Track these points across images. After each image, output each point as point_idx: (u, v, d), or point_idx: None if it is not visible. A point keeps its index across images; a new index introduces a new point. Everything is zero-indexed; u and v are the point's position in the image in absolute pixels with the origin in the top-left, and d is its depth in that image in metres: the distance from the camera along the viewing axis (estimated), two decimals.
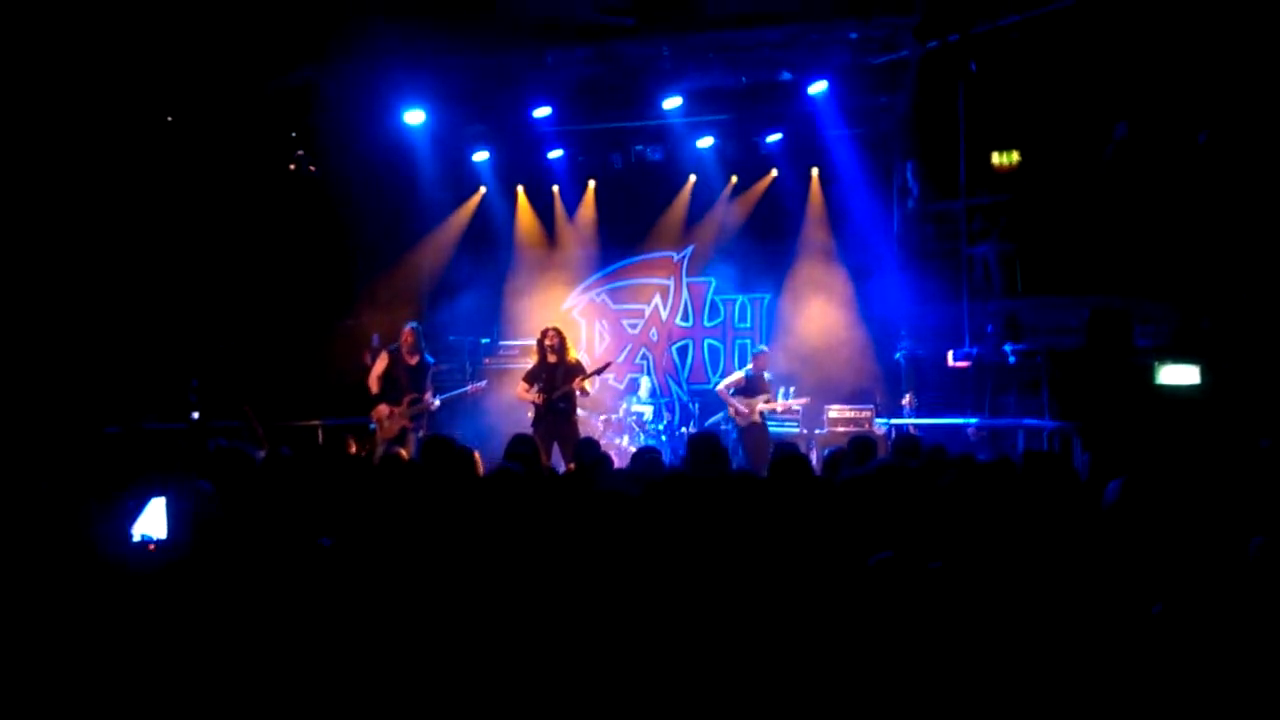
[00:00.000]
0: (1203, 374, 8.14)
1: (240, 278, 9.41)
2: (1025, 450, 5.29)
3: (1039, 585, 2.94)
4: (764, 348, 9.75)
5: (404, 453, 5.18)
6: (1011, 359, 9.09)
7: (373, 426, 8.15)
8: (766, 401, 9.44)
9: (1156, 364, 8.30)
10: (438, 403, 8.30)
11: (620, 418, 10.39)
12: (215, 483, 3.64)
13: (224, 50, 8.22)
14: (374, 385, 8.11)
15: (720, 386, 9.77)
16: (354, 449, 6.68)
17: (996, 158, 9.46)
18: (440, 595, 2.95)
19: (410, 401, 8.04)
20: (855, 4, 7.73)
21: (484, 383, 8.73)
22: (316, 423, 9.35)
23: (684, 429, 10.45)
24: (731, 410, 9.57)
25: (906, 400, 9.87)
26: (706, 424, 10.58)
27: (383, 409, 8.05)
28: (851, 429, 9.35)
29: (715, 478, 4.20)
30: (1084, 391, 8.26)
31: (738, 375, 9.63)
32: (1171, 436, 7.21)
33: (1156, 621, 2.72)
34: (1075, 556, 3.16)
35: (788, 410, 9.69)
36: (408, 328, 8.25)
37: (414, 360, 8.12)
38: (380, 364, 8.14)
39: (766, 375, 9.55)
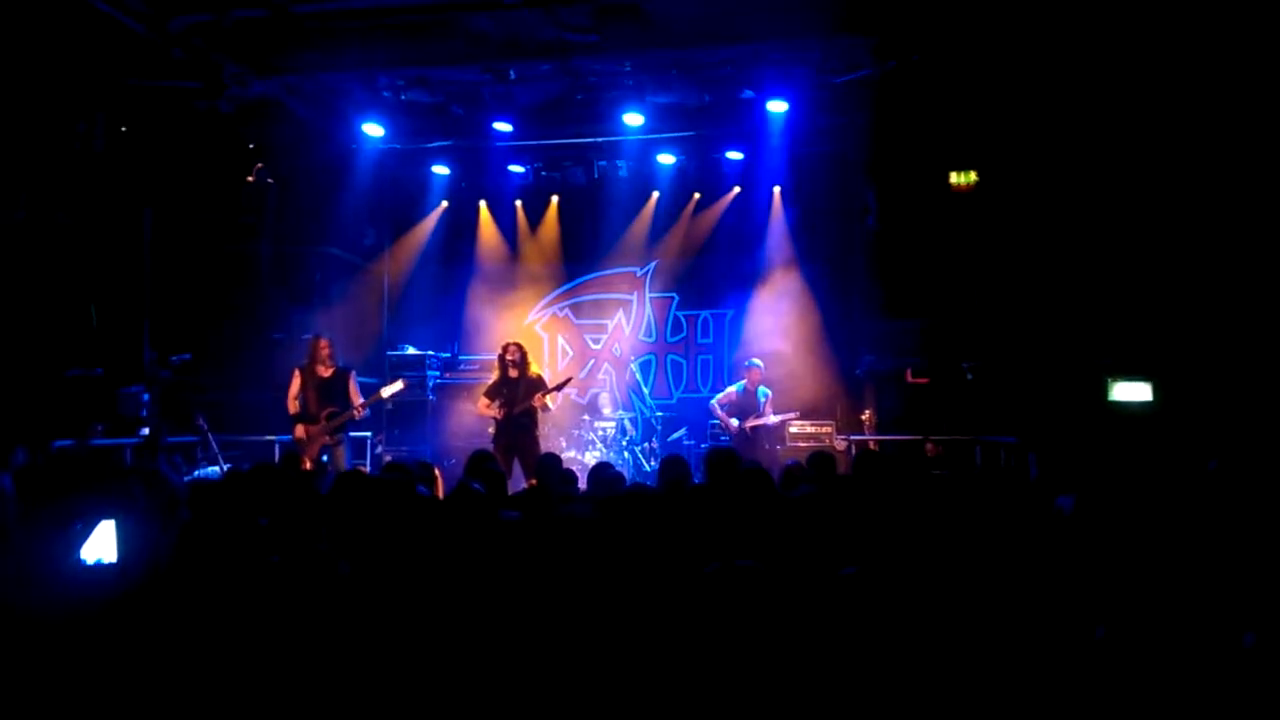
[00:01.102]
0: (1155, 391, 8.31)
1: (195, 288, 9.27)
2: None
3: (988, 595, 2.97)
4: (758, 363, 9.74)
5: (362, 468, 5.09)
6: (969, 375, 9.22)
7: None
8: (757, 417, 9.47)
9: (1109, 380, 8.46)
10: (363, 411, 8.03)
11: (582, 433, 10.36)
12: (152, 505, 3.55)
13: (182, 60, 8.12)
14: (291, 405, 7.96)
15: (713, 402, 9.81)
16: (308, 465, 6.59)
17: (955, 177, 9.60)
18: (401, 616, 2.90)
19: (328, 416, 7.85)
20: (816, 24, 7.80)
21: (399, 384, 8.46)
22: (271, 438, 9.20)
23: (646, 444, 10.44)
24: (723, 424, 9.60)
25: (866, 416, 9.96)
26: (669, 438, 10.58)
27: (299, 430, 7.88)
28: (812, 444, 9.40)
29: (670, 492, 4.20)
30: (1034, 407, 8.39)
31: (730, 391, 9.68)
32: (1123, 453, 7.34)
33: (1099, 642, 2.75)
34: (1025, 568, 3.20)
35: (782, 424, 9.67)
36: (318, 339, 8.05)
37: (328, 373, 7.94)
38: (294, 383, 7.98)
39: (761, 390, 9.57)
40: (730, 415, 9.56)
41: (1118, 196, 8.36)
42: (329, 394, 7.89)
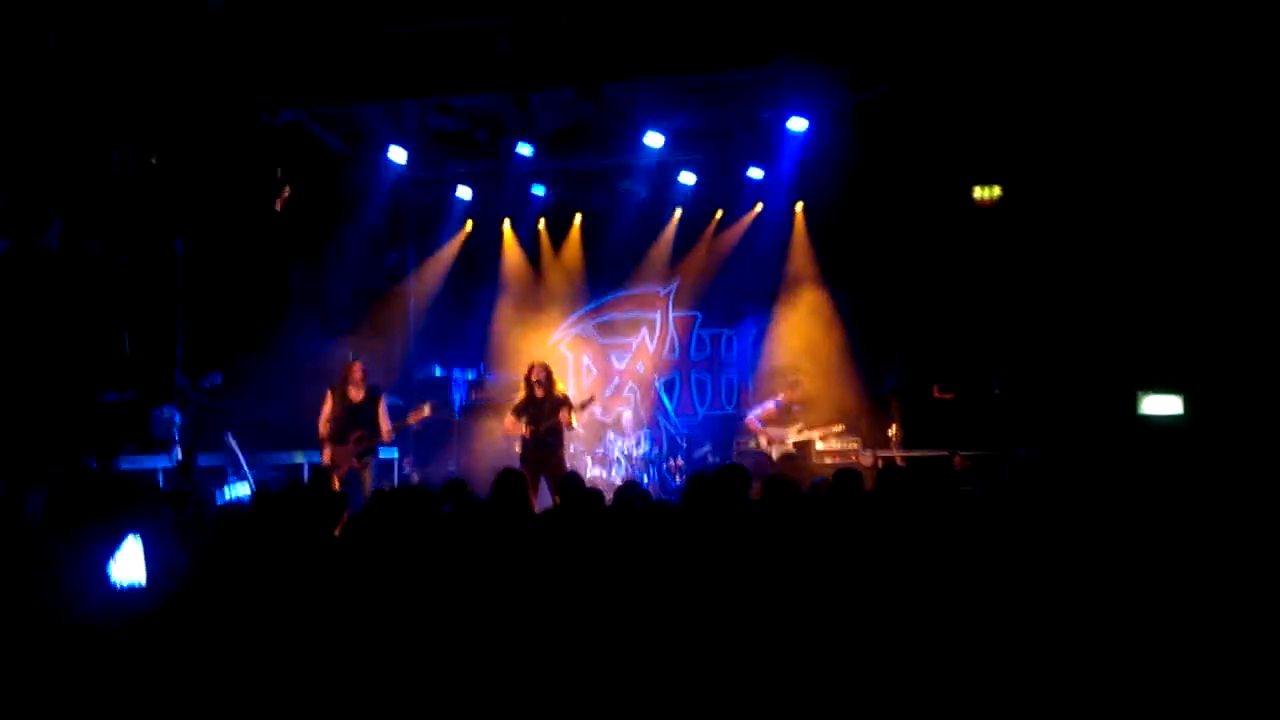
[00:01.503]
0: (1186, 404, 8.21)
1: (224, 312, 9.41)
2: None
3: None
4: (799, 377, 9.73)
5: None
6: (996, 390, 9.15)
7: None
8: (800, 431, 9.45)
9: (1139, 394, 8.37)
10: (390, 438, 8.12)
11: (607, 451, 10.37)
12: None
13: (211, 90, 8.29)
14: (322, 428, 7.99)
15: (750, 417, 9.81)
16: (337, 485, 6.64)
17: (978, 191, 9.57)
18: (425, 639, 2.93)
19: (356, 439, 7.91)
20: (830, 47, 7.84)
21: (426, 409, 8.53)
22: (300, 458, 9.29)
23: (671, 461, 10.43)
24: (764, 440, 9.58)
25: (892, 432, 9.90)
26: (694, 456, 10.57)
27: (327, 453, 7.93)
28: (838, 461, 9.36)
29: (699, 509, 4.20)
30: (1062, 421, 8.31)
31: (769, 406, 9.67)
32: (1153, 467, 7.25)
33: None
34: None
35: (827, 437, 9.63)
36: (352, 362, 8.10)
37: (359, 396, 7.98)
38: (326, 405, 8.02)
39: (794, 405, 9.54)
40: (767, 430, 9.54)
41: (1145, 206, 8.30)
42: (359, 417, 7.94)
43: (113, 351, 8.41)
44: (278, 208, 9.75)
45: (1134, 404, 8.23)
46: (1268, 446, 6.98)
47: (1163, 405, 8.25)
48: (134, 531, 3.22)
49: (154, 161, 8.63)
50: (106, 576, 3.15)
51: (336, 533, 4.05)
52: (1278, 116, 7.48)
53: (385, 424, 8.04)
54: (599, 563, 3.19)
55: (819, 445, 9.69)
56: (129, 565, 3.23)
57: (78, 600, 3.08)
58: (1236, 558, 3.38)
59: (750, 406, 10.39)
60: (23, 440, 7.42)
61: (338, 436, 7.90)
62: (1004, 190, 9.48)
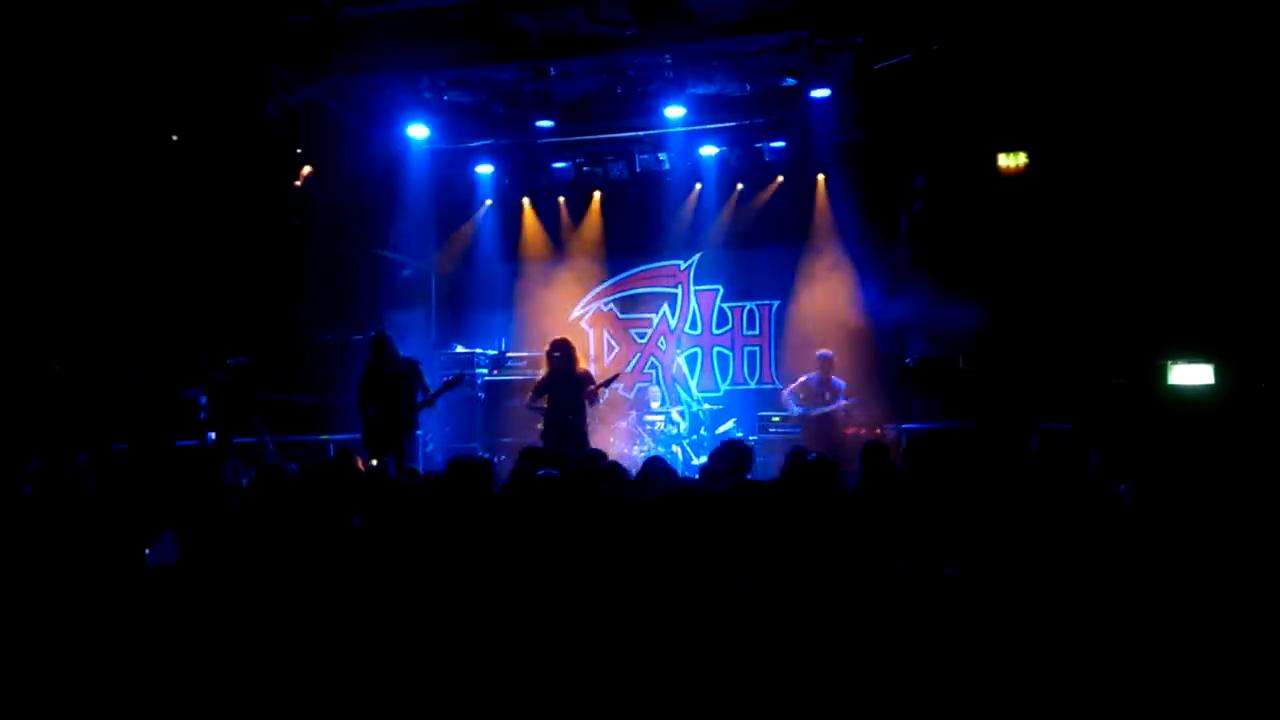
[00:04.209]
0: (1216, 374, 8.08)
1: (247, 293, 9.44)
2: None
3: (1053, 588, 2.91)
4: (829, 352, 9.66)
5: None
6: (1022, 362, 9.05)
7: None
8: (827, 403, 9.42)
9: (1168, 363, 8.25)
10: (430, 405, 7.94)
11: (630, 426, 10.37)
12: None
13: (230, 68, 8.27)
14: (362, 403, 7.84)
15: (785, 392, 9.78)
16: (361, 466, 6.65)
17: (1004, 159, 9.42)
18: (456, 608, 2.93)
19: (394, 414, 7.69)
20: (854, 13, 7.71)
21: (459, 376, 8.31)
22: (325, 438, 9.34)
23: (695, 436, 10.41)
24: (797, 417, 9.55)
25: (918, 406, 9.83)
26: (718, 431, 10.55)
27: (369, 428, 7.77)
28: (863, 434, 9.31)
29: (722, 490, 4.16)
30: (1090, 393, 8.21)
31: (803, 380, 9.61)
32: (1183, 438, 7.15)
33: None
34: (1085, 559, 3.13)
35: (851, 410, 9.58)
36: (379, 337, 7.93)
37: (393, 371, 7.79)
38: (362, 384, 7.86)
39: (833, 379, 9.51)
40: (802, 405, 9.49)
41: (1174, 171, 8.14)
42: (394, 391, 7.82)
43: (138, 334, 8.45)
44: (298, 185, 9.74)
45: (1164, 374, 8.11)
46: None
47: (1193, 375, 8.13)
48: (168, 511, 3.24)
49: (174, 139, 8.62)
50: (140, 557, 3.18)
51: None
52: None
53: (427, 392, 7.90)
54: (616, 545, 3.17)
55: (842, 418, 9.64)
56: (162, 546, 3.26)
57: (111, 580, 3.11)
58: (1266, 531, 3.32)
59: (786, 382, 10.33)
60: (51, 422, 7.49)
61: (379, 413, 7.82)
62: (1030, 158, 9.33)
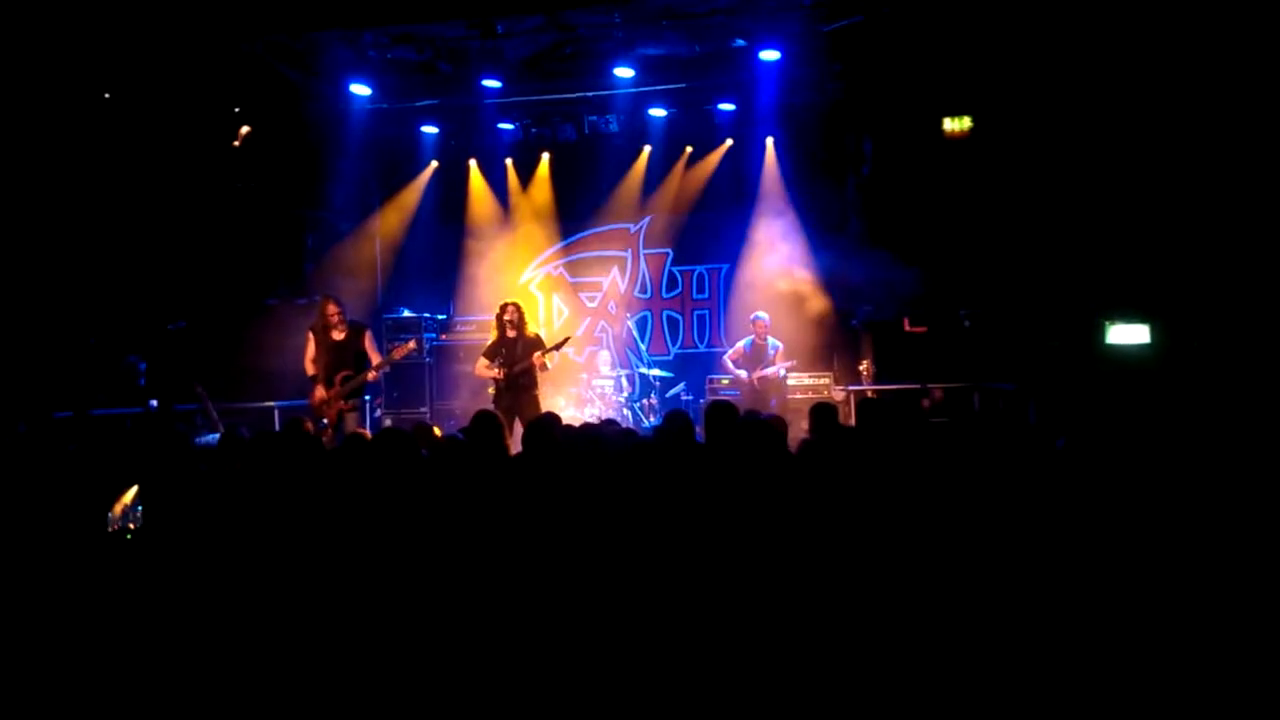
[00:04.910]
0: (1153, 334, 8.32)
1: (184, 256, 9.19)
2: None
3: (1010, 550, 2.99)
4: (764, 315, 9.70)
5: (364, 432, 5.06)
6: (966, 323, 9.23)
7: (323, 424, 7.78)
8: (763, 368, 9.49)
9: (1105, 323, 8.47)
10: (378, 370, 7.81)
11: (580, 391, 10.36)
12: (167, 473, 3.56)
13: (165, 23, 7.97)
14: (308, 368, 7.67)
15: (725, 358, 9.83)
16: (311, 429, 6.56)
17: (949, 123, 9.52)
18: (409, 579, 2.92)
19: (343, 379, 7.56)
20: None
21: (411, 344, 8.14)
22: (271, 404, 9.19)
23: (645, 401, 10.45)
24: (733, 379, 9.63)
25: (864, 367, 9.98)
26: (668, 395, 10.60)
27: (317, 392, 7.58)
28: (811, 396, 9.43)
29: (675, 446, 4.21)
30: (1031, 353, 8.40)
31: (739, 346, 9.67)
32: (1120, 397, 7.36)
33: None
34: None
35: (778, 374, 9.65)
36: (325, 300, 7.72)
37: (341, 335, 7.62)
38: (308, 346, 7.67)
39: (772, 342, 9.57)
40: (740, 369, 9.59)
41: (1114, 134, 8.30)
42: (343, 356, 7.60)
43: (76, 299, 8.20)
44: (236, 145, 9.47)
45: (1102, 334, 8.33)
46: (1233, 377, 7.11)
47: (1130, 334, 8.36)
48: (131, 475, 3.18)
49: (107, 96, 8.31)
50: (103, 520, 3.12)
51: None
52: (1248, 38, 7.45)
53: (375, 357, 7.75)
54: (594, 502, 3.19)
55: (790, 381, 9.74)
56: (126, 510, 3.19)
57: (75, 545, 3.06)
58: (1202, 490, 3.43)
59: (725, 346, 10.40)
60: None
61: (325, 379, 7.67)
62: (974, 122, 9.44)
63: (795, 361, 9.69)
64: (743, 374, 9.56)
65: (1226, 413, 5.69)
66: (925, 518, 3.20)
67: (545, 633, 2.66)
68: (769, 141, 10.95)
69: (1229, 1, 7.42)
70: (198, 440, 7.74)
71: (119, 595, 2.76)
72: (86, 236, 8.46)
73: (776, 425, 4.74)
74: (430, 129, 11.19)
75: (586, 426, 5.02)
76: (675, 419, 5.03)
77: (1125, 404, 7.34)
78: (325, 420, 7.47)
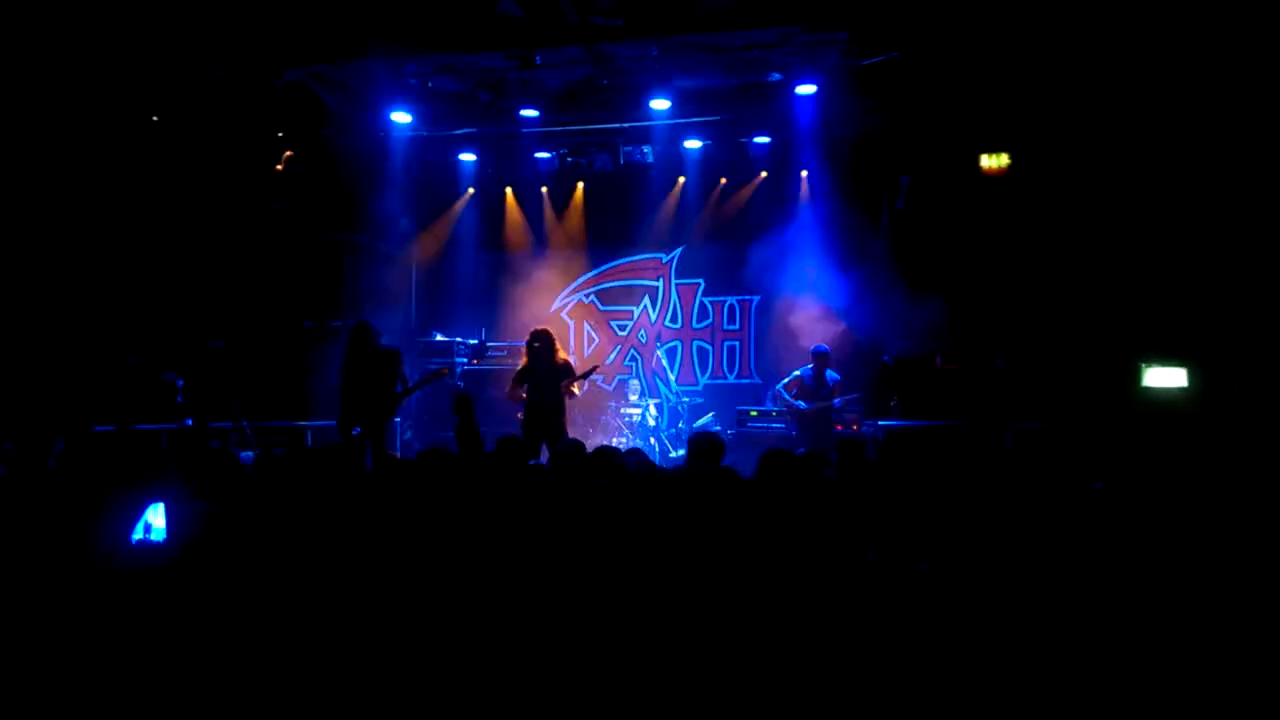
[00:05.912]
0: (1190, 377, 8.19)
1: (225, 277, 9.37)
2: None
3: (1029, 582, 2.94)
4: (825, 347, 9.59)
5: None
6: (999, 361, 9.13)
7: (356, 431, 7.85)
8: (822, 400, 9.34)
9: (1142, 366, 8.34)
10: (406, 398, 7.88)
11: (609, 419, 10.37)
12: (206, 485, 3.60)
13: (212, 51, 8.18)
14: (343, 390, 7.64)
15: (778, 388, 9.68)
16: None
17: (986, 160, 9.48)
18: (438, 592, 2.93)
19: (375, 402, 7.57)
20: (841, 10, 7.72)
21: (443, 371, 8.25)
22: (303, 424, 9.29)
23: (673, 430, 10.43)
24: (789, 410, 9.48)
25: (895, 403, 9.88)
26: (696, 425, 10.58)
27: (349, 415, 7.60)
28: (839, 430, 9.36)
29: (695, 474, 4.18)
30: (1065, 394, 8.28)
31: (796, 376, 9.51)
32: (1156, 441, 7.23)
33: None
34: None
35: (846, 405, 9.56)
36: (359, 325, 7.81)
37: (374, 358, 7.65)
38: (345, 370, 7.68)
39: (830, 374, 9.41)
40: (797, 400, 9.43)
41: (1153, 175, 8.23)
42: (375, 379, 7.68)
43: (116, 318, 8.37)
44: (278, 170, 9.66)
45: (1138, 376, 8.20)
46: (1274, 422, 6.97)
47: (1166, 378, 8.23)
48: (157, 496, 3.22)
49: (155, 120, 8.52)
50: (129, 535, 3.16)
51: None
52: None
53: (406, 382, 7.82)
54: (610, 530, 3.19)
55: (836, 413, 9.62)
56: (152, 525, 3.24)
57: (100, 556, 3.09)
58: (1237, 533, 3.37)
59: (765, 377, 10.27)
60: (36, 402, 7.41)
61: (357, 399, 7.71)
62: (1012, 159, 9.39)
63: (859, 395, 9.55)
64: (801, 405, 9.41)
65: (1267, 459, 5.57)
66: (958, 555, 3.16)
67: (565, 640, 2.66)
68: (803, 174, 10.97)
69: (1267, 47, 7.34)
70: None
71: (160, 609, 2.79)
72: (129, 256, 8.64)
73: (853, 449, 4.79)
74: (468, 156, 11.36)
75: (605, 449, 5.01)
76: (704, 441, 5.00)
77: (1162, 448, 7.20)
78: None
